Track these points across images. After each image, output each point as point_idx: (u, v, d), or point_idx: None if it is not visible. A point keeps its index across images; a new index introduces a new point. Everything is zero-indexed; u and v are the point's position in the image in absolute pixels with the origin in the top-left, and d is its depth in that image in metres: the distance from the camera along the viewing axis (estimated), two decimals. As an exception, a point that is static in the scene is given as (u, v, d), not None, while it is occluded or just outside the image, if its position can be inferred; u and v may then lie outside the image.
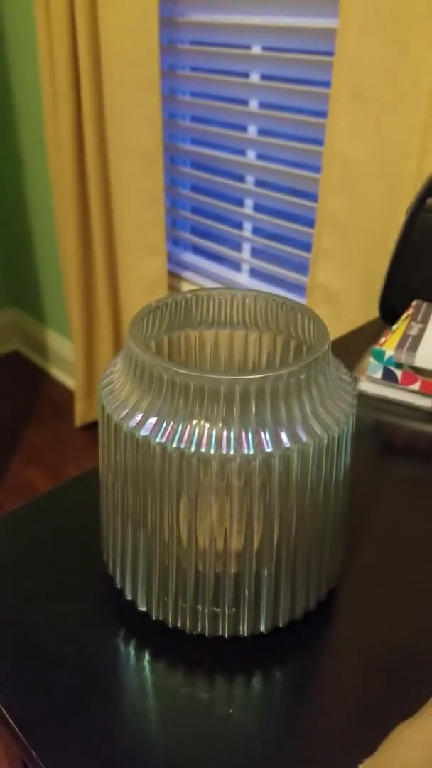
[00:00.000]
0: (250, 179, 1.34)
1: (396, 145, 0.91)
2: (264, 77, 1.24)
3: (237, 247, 1.45)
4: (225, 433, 0.29)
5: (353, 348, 0.66)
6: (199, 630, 0.33)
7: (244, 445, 0.29)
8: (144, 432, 0.29)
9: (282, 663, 0.33)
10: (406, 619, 0.36)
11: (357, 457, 0.51)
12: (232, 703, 0.31)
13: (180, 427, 0.29)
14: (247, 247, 1.43)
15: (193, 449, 0.29)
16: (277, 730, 0.30)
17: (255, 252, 1.42)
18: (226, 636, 0.33)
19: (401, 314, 0.64)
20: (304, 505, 0.31)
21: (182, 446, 0.29)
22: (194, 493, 0.29)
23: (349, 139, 0.97)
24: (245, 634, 0.33)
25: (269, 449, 0.29)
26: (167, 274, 1.52)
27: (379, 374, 0.58)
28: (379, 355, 0.57)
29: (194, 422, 0.29)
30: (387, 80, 0.90)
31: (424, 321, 0.62)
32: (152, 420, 0.29)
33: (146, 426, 0.29)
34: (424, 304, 0.65)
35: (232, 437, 0.29)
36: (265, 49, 1.21)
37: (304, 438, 0.30)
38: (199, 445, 0.29)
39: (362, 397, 0.59)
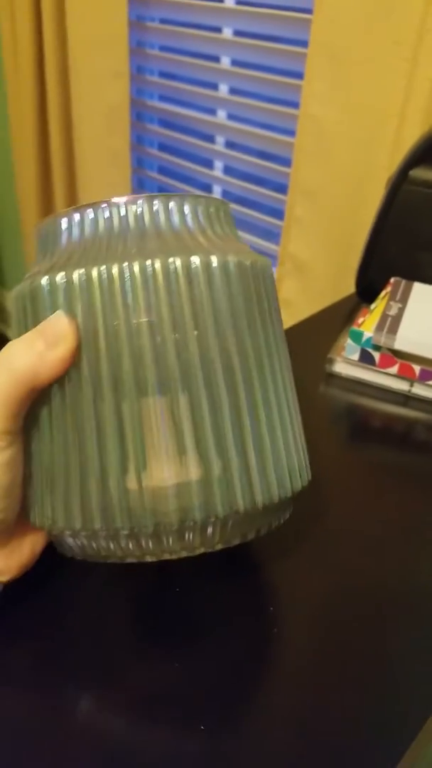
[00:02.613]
0: (220, 140, 1.29)
1: (374, 109, 0.88)
2: (237, 33, 1.18)
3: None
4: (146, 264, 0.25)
5: (329, 326, 0.63)
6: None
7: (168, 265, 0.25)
8: (44, 282, 0.26)
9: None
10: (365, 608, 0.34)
11: (330, 439, 0.49)
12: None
13: (93, 270, 0.25)
14: (216, 212, 1.38)
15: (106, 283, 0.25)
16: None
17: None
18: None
19: (379, 292, 0.61)
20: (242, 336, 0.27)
21: (91, 287, 0.25)
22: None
23: (325, 102, 0.93)
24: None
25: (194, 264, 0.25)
26: (133, 238, 1.47)
27: (356, 356, 0.56)
28: (357, 337, 0.55)
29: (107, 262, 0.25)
30: (367, 40, 0.85)
31: (403, 300, 0.59)
32: (59, 273, 0.26)
33: (56, 281, 0.25)
34: (403, 282, 0.63)
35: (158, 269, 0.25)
36: (239, 3, 1.14)
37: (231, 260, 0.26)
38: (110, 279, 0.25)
39: (336, 378, 0.57)
